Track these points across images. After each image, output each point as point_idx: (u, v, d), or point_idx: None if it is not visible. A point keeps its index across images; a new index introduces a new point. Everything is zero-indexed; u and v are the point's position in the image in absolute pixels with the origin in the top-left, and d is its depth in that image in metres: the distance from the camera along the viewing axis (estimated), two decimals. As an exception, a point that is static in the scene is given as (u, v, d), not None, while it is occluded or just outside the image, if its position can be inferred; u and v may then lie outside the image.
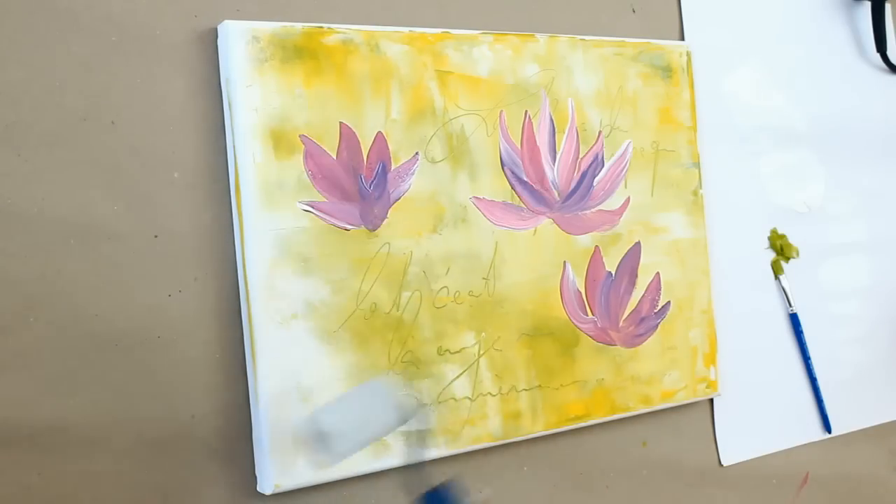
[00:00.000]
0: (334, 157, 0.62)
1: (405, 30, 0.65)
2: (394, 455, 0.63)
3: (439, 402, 0.65)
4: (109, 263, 0.57)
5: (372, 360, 0.63)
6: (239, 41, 0.59)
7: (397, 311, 0.64)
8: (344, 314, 0.62)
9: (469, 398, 0.66)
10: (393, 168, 0.64)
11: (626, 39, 0.76)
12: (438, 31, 0.67)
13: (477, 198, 0.68)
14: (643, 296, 0.75)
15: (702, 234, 0.79)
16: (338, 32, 0.63)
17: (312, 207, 0.61)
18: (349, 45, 0.63)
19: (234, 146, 0.59)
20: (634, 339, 0.75)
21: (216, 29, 0.60)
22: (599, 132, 0.74)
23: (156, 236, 0.58)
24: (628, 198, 0.75)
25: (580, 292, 0.72)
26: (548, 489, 0.73)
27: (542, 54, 0.71)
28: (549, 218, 0.71)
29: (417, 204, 0.65)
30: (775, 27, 0.89)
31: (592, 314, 0.73)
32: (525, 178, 0.70)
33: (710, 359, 0.79)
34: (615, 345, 0.74)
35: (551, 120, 0.71)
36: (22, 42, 0.55)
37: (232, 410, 0.60)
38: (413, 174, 0.65)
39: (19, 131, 0.55)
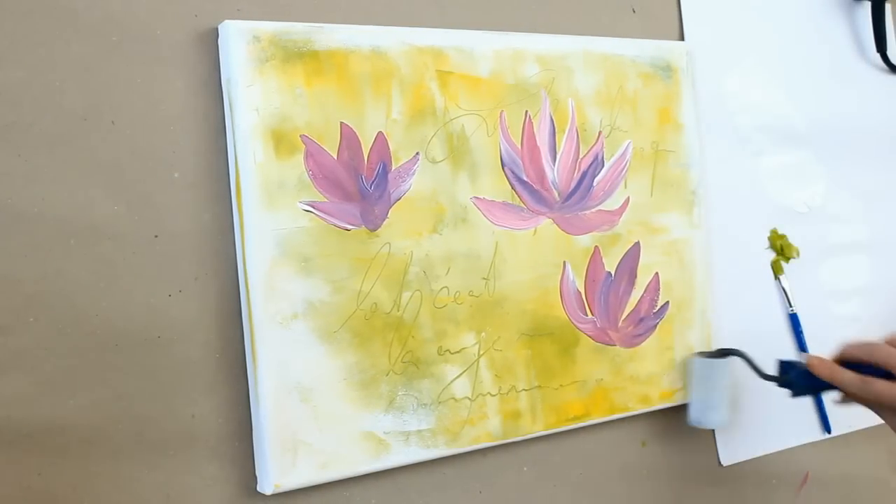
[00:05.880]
0: (335, 157, 0.62)
1: (406, 30, 0.65)
2: (394, 455, 0.63)
3: (439, 402, 0.65)
4: (109, 263, 0.57)
5: (372, 360, 0.63)
6: (240, 41, 0.59)
7: (398, 311, 0.64)
8: (344, 314, 0.62)
9: (469, 398, 0.66)
10: (393, 168, 0.64)
11: (626, 39, 0.76)
12: (439, 30, 0.67)
13: (477, 198, 0.68)
14: (642, 296, 0.75)
15: (701, 234, 0.79)
16: (339, 32, 0.63)
17: (313, 207, 0.61)
18: (350, 45, 0.63)
19: (234, 146, 0.59)
20: (633, 340, 0.75)
21: (217, 29, 0.60)
22: (599, 132, 0.74)
23: (156, 236, 0.58)
24: (628, 198, 0.75)
25: (580, 292, 0.72)
26: (548, 489, 0.73)
27: (543, 54, 0.71)
28: (549, 218, 0.71)
29: (418, 204, 0.65)
30: (775, 27, 0.89)
31: (592, 314, 0.73)
32: (525, 178, 0.70)
33: (710, 359, 0.79)
34: (614, 345, 0.74)
35: (551, 120, 0.71)
36: (22, 42, 0.55)
37: (232, 410, 0.60)
38: (413, 174, 0.65)
39: (19, 131, 0.55)
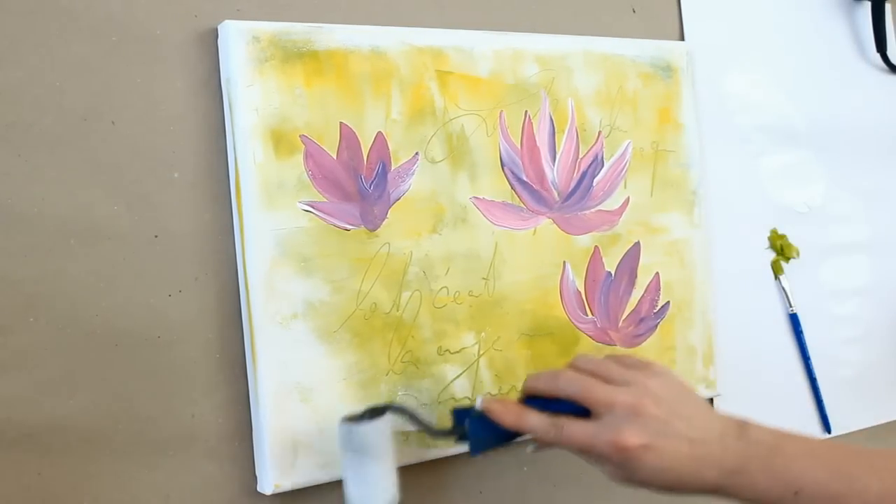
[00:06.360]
0: (334, 157, 0.62)
1: (405, 30, 0.65)
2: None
3: (439, 402, 0.65)
4: (109, 263, 0.57)
5: (372, 360, 0.63)
6: (239, 41, 0.59)
7: (397, 311, 0.64)
8: (344, 314, 0.62)
9: (469, 398, 0.66)
10: (393, 168, 0.64)
11: (626, 39, 0.76)
12: (438, 30, 0.67)
13: (477, 198, 0.68)
14: (642, 296, 0.75)
15: (701, 234, 0.79)
16: (338, 32, 0.63)
17: (312, 207, 0.61)
18: (349, 45, 0.63)
19: (234, 146, 0.59)
20: (634, 340, 0.75)
21: (216, 29, 0.60)
22: (599, 132, 0.74)
23: (156, 236, 0.58)
24: (628, 198, 0.75)
25: (580, 292, 0.72)
26: (548, 489, 0.73)
27: (543, 54, 0.71)
28: (549, 218, 0.71)
29: (417, 204, 0.65)
30: (775, 27, 0.89)
31: (592, 314, 0.73)
32: (525, 179, 0.70)
33: (709, 359, 0.79)
34: (614, 345, 0.74)
35: (551, 120, 0.71)
36: (22, 42, 0.55)
37: (232, 410, 0.60)
38: (413, 174, 0.65)
39: (19, 131, 0.55)
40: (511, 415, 0.57)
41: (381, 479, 0.57)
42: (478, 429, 0.58)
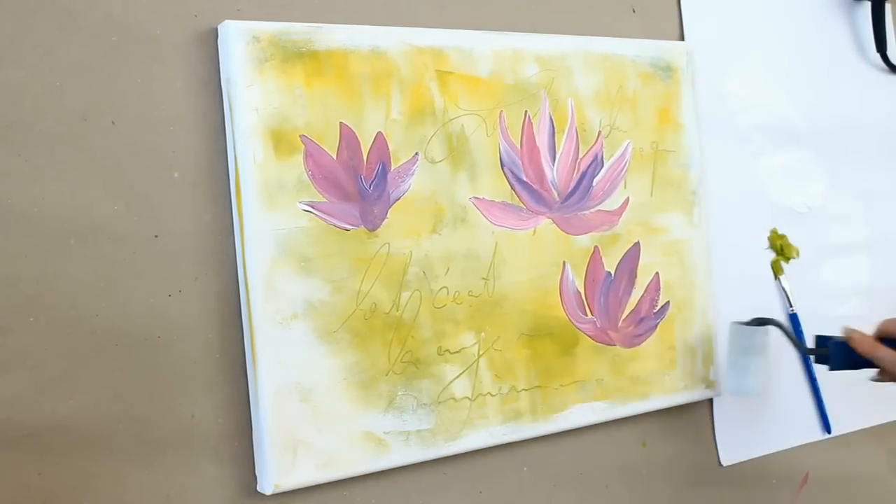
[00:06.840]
0: (334, 157, 0.62)
1: (405, 30, 0.65)
2: (394, 455, 0.63)
3: (439, 402, 0.65)
4: (109, 263, 0.57)
5: (372, 360, 0.63)
6: (239, 41, 0.59)
7: (397, 311, 0.64)
8: (344, 314, 0.62)
9: (469, 398, 0.66)
10: (393, 168, 0.64)
11: (626, 39, 0.76)
12: (438, 31, 0.67)
13: (476, 198, 0.68)
14: (642, 296, 0.75)
15: (701, 234, 0.79)
16: (338, 32, 0.63)
17: (312, 207, 0.61)
18: (349, 45, 0.63)
19: (234, 146, 0.59)
20: (633, 340, 0.75)
21: (216, 29, 0.60)
22: (599, 132, 0.74)
23: (156, 236, 0.58)
24: (627, 198, 0.75)
25: (579, 292, 0.72)
26: (548, 489, 0.73)
27: (542, 54, 0.71)
28: (549, 218, 0.71)
29: (417, 204, 0.65)
30: (775, 27, 0.89)
31: (592, 314, 0.73)
32: (524, 179, 0.70)
33: (709, 359, 0.79)
34: (614, 345, 0.74)
35: (551, 120, 0.71)
36: (22, 42, 0.55)
37: (232, 410, 0.60)
38: (413, 174, 0.65)
39: (19, 131, 0.55)
40: (867, 345, 0.69)
41: (759, 372, 0.75)
42: (838, 352, 0.71)
